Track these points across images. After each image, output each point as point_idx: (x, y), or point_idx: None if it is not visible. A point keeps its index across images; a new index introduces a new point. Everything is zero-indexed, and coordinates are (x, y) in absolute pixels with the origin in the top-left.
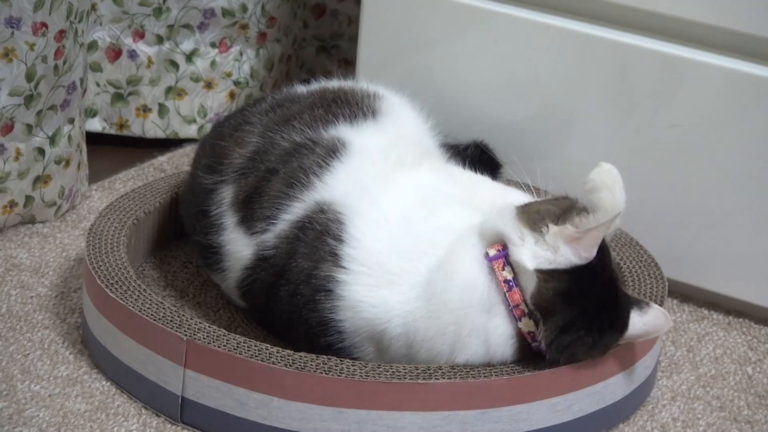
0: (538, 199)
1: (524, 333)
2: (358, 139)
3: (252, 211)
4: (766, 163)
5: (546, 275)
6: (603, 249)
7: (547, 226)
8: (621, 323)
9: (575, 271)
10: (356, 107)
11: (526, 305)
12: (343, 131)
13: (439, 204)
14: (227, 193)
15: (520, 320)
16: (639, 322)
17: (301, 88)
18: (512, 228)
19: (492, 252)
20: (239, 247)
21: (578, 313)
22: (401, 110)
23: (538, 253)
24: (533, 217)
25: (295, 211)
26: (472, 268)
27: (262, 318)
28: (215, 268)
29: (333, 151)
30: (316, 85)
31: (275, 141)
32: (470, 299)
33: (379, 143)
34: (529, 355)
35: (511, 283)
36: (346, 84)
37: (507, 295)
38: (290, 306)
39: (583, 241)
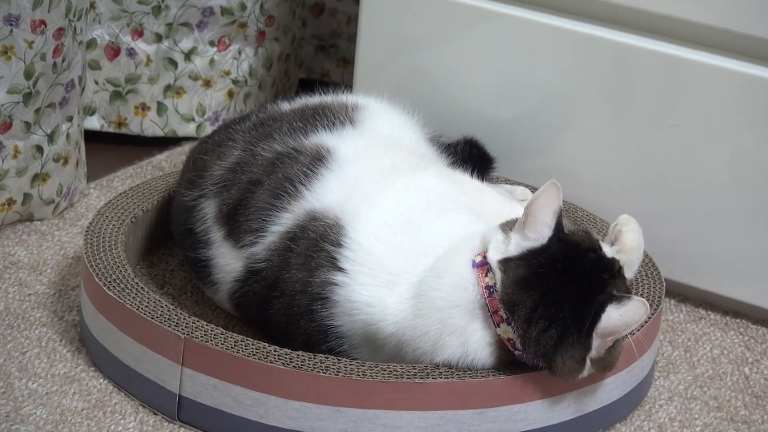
0: None
1: (504, 341)
2: (342, 144)
3: (238, 224)
4: (764, 163)
5: (504, 266)
6: (576, 244)
7: (510, 227)
8: (587, 315)
9: (530, 257)
10: (334, 117)
11: (501, 309)
12: (324, 138)
13: (445, 209)
14: (210, 208)
15: (499, 326)
16: (615, 313)
17: (285, 105)
18: (492, 234)
19: (478, 259)
20: (228, 260)
21: (537, 300)
22: (382, 117)
23: (500, 248)
24: (510, 225)
25: (285, 222)
26: (464, 270)
27: (258, 327)
28: (207, 281)
29: (318, 158)
30: (298, 102)
31: (256, 153)
32: (457, 299)
33: (365, 148)
34: (512, 364)
35: (492, 290)
36: (326, 98)
37: (487, 301)
38: (287, 318)
39: (525, 221)
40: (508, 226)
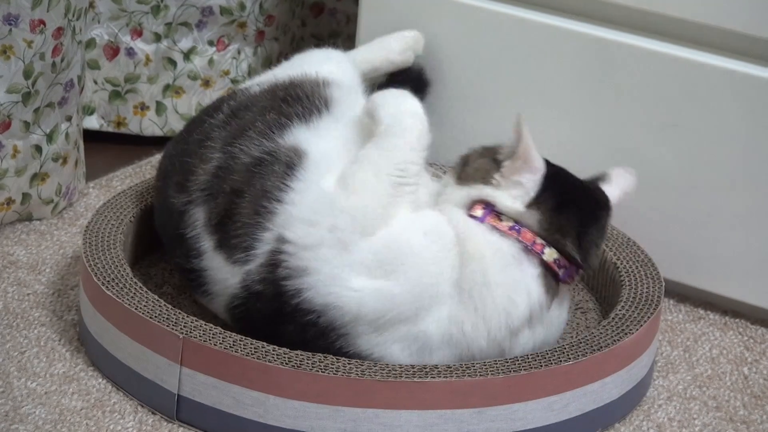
0: (458, 167)
1: (550, 264)
2: (315, 144)
3: (228, 237)
4: (762, 162)
5: (535, 205)
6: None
7: (496, 177)
8: (605, 199)
9: (550, 186)
10: (308, 101)
11: (541, 238)
12: (300, 135)
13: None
14: (199, 215)
15: (543, 253)
16: (614, 191)
17: (254, 88)
18: (478, 192)
19: (479, 212)
20: (224, 274)
21: (576, 214)
22: (353, 90)
23: (514, 194)
24: (480, 176)
25: (266, 245)
26: (486, 243)
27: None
28: (200, 291)
29: (291, 166)
30: (266, 79)
31: (235, 155)
32: (503, 265)
33: (336, 144)
34: (555, 290)
35: (516, 227)
36: (295, 74)
37: (520, 239)
38: (302, 338)
39: (525, 161)
40: (481, 179)
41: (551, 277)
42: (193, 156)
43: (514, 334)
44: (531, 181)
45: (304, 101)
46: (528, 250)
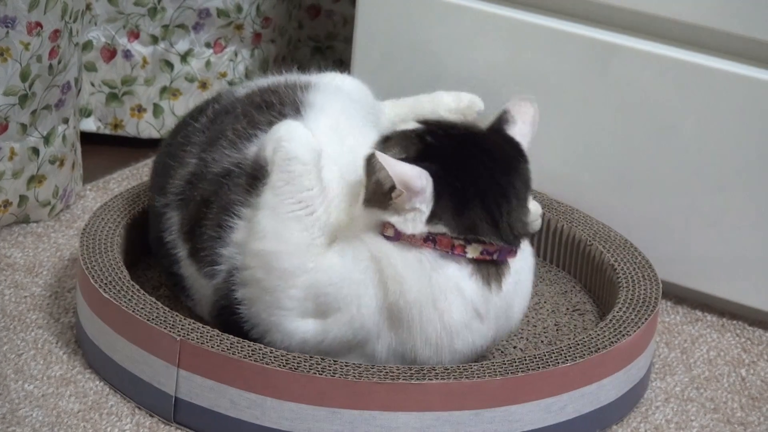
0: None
1: (479, 258)
2: None
3: (196, 248)
4: (759, 165)
5: (436, 217)
6: (410, 138)
7: (392, 205)
8: (515, 151)
9: (444, 190)
10: (280, 107)
11: (458, 239)
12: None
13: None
14: (174, 219)
15: (466, 252)
16: (522, 128)
17: (240, 91)
18: (379, 217)
19: (391, 232)
20: (199, 284)
21: (480, 200)
22: (332, 98)
23: (410, 218)
24: (377, 199)
25: (226, 262)
26: (406, 259)
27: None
28: (185, 295)
29: (255, 178)
30: (251, 85)
31: (208, 163)
32: (426, 278)
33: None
34: (498, 272)
35: (431, 237)
36: (278, 80)
37: (437, 248)
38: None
39: (406, 188)
40: (380, 205)
41: (488, 264)
42: (174, 159)
43: (461, 332)
44: (421, 201)
45: (275, 108)
46: (449, 254)
